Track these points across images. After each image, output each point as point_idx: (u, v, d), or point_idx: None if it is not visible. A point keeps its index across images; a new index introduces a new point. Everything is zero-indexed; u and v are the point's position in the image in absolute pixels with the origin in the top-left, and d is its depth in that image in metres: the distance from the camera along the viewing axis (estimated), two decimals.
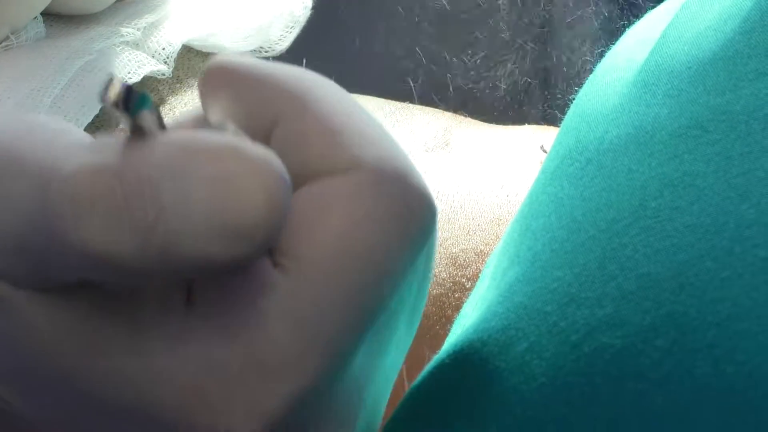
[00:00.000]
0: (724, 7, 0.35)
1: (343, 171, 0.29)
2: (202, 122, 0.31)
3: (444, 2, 0.82)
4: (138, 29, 0.44)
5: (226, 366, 0.28)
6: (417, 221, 0.29)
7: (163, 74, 0.45)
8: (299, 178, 0.29)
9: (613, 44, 0.39)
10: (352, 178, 0.29)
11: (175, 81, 0.46)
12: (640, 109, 0.34)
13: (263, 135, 0.30)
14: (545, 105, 0.84)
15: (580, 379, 0.30)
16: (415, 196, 0.30)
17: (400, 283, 0.30)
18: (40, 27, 0.47)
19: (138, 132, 0.26)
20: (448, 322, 0.43)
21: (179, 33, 0.46)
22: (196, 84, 0.46)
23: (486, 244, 0.44)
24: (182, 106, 0.46)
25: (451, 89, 0.80)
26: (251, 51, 0.49)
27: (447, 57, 0.83)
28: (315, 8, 0.49)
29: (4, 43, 0.45)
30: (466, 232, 0.44)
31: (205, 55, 0.47)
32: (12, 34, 0.45)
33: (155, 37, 0.46)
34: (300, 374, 0.28)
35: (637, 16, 0.40)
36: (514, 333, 0.31)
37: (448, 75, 0.84)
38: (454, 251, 0.44)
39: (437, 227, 0.31)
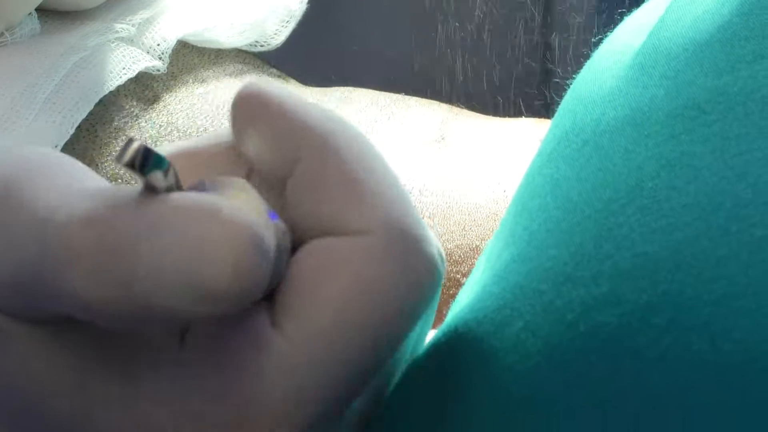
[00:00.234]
0: None
1: (354, 232, 0.30)
2: (221, 149, 0.31)
3: None
4: (132, 25, 0.44)
5: (216, 424, 0.29)
6: (421, 290, 0.30)
7: (158, 70, 0.45)
8: (312, 228, 0.30)
9: (611, 31, 0.39)
10: (362, 241, 0.30)
11: (170, 77, 0.46)
12: (636, 90, 0.34)
13: (286, 170, 0.31)
14: (543, 94, 0.84)
15: (576, 358, 0.30)
16: (422, 264, 0.30)
17: (399, 346, 0.31)
18: (35, 23, 0.47)
19: (151, 191, 0.27)
20: (442, 319, 0.43)
21: (174, 29, 0.46)
22: (190, 80, 0.46)
23: (482, 240, 0.44)
24: (176, 102, 0.46)
25: (446, 81, 0.80)
26: (247, 45, 0.49)
27: (444, 49, 0.83)
28: (311, 1, 0.49)
29: None
30: (462, 228, 0.44)
31: (200, 51, 0.47)
32: (7, 30, 0.45)
33: (150, 33, 0.46)
34: None
35: (637, 4, 0.40)
36: (510, 312, 0.31)
37: (446, 67, 0.84)
38: (449, 247, 0.44)
39: (440, 288, 0.32)
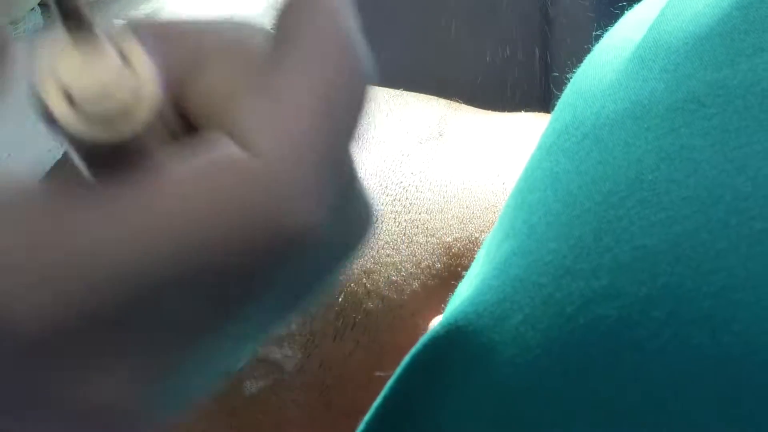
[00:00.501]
0: None
1: (246, 145, 0.25)
2: None
3: None
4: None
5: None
6: (269, 244, 0.26)
7: None
8: (214, 112, 0.26)
9: (612, 26, 0.39)
10: (243, 161, 0.25)
11: None
12: (636, 84, 0.34)
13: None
14: (543, 88, 0.84)
15: (575, 351, 0.30)
16: (288, 221, 0.25)
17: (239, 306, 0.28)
18: (38, 18, 0.48)
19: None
20: (442, 312, 0.43)
21: None
22: None
23: (481, 233, 0.44)
24: None
25: (445, 76, 0.80)
26: None
27: (443, 44, 0.83)
28: None
29: None
30: (460, 221, 0.44)
31: None
32: (11, 25, 0.45)
33: None
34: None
35: (637, 0, 0.40)
36: (509, 305, 0.32)
37: (445, 62, 0.84)
38: (447, 241, 0.44)
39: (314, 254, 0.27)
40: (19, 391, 0.24)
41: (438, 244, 0.43)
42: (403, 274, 0.43)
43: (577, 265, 0.31)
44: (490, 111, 0.49)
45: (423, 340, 0.33)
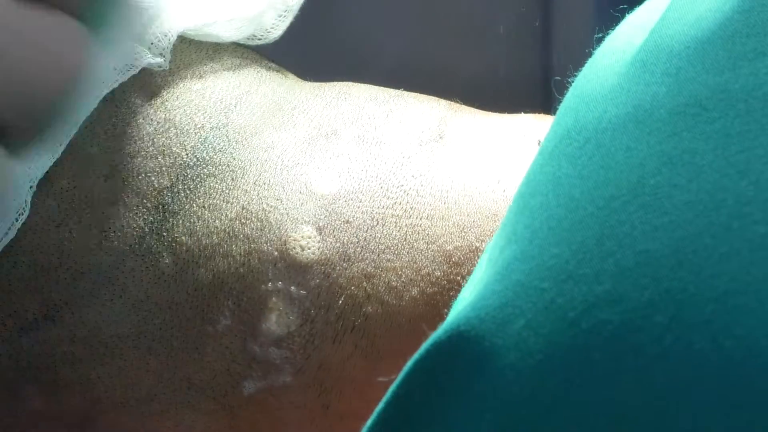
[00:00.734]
0: None
1: None
2: None
3: None
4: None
5: None
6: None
7: (160, 66, 0.45)
8: None
9: (612, 29, 0.39)
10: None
11: (167, 73, 0.46)
12: (638, 88, 0.34)
13: None
14: (544, 91, 0.84)
15: (578, 356, 0.30)
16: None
17: None
18: None
19: None
20: (442, 321, 0.43)
21: (175, 24, 0.46)
22: (188, 76, 0.46)
23: (481, 241, 0.43)
24: (174, 98, 0.45)
25: (446, 77, 0.80)
26: (244, 38, 0.49)
27: (444, 44, 0.83)
28: None
29: None
30: (461, 229, 0.44)
31: (197, 46, 0.47)
32: None
33: (150, 28, 0.45)
34: None
35: (638, 2, 0.40)
36: (511, 310, 0.32)
37: (445, 62, 0.84)
38: (448, 249, 0.43)
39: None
40: None
41: (438, 251, 0.43)
42: (403, 279, 0.43)
43: (580, 270, 0.31)
44: (490, 112, 0.48)
45: (425, 345, 0.33)
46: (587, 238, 0.31)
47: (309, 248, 0.43)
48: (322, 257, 0.43)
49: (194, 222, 0.43)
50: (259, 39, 0.49)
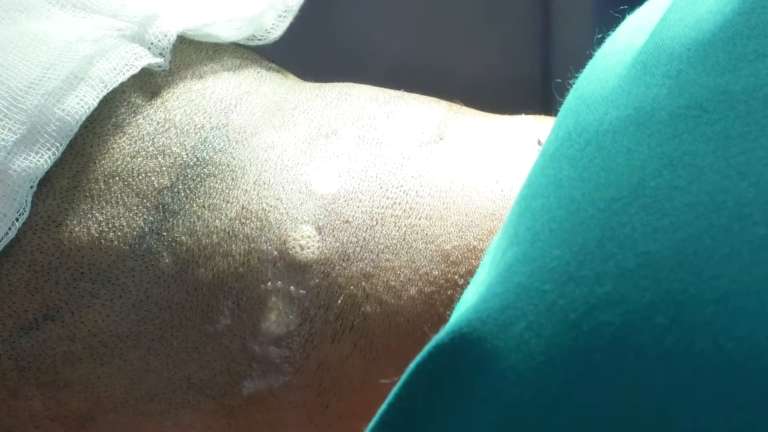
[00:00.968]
0: None
1: None
2: None
3: None
4: (134, 22, 0.44)
5: None
6: None
7: (160, 66, 0.45)
8: None
9: (613, 31, 0.39)
10: None
11: (168, 73, 0.46)
12: (639, 90, 0.34)
13: None
14: (544, 92, 0.84)
15: (579, 357, 0.30)
16: None
17: None
18: None
19: None
20: (440, 320, 0.43)
21: (174, 24, 0.46)
22: (188, 76, 0.46)
23: (479, 240, 0.43)
24: (174, 98, 0.46)
25: (446, 78, 0.80)
26: (244, 39, 0.49)
27: (444, 45, 0.83)
28: None
29: None
30: (459, 228, 0.44)
31: (197, 46, 0.47)
32: None
33: (150, 28, 0.46)
34: None
35: (639, 2, 0.40)
36: (513, 312, 0.32)
37: (446, 63, 0.84)
38: (446, 248, 0.43)
39: None
40: None
41: (436, 251, 0.43)
42: (401, 279, 0.43)
43: (581, 272, 0.31)
44: (490, 113, 0.48)
45: (428, 347, 0.33)
46: (588, 239, 0.31)
47: (308, 248, 0.43)
48: (322, 257, 0.43)
49: (194, 222, 0.44)
50: (259, 39, 0.49)
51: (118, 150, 0.44)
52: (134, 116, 0.45)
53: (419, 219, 0.44)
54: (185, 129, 0.45)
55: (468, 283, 0.41)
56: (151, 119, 0.45)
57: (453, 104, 0.48)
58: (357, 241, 0.43)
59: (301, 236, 0.43)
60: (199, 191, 0.44)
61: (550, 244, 0.32)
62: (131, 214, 0.43)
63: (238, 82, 0.47)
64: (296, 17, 0.50)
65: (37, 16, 0.45)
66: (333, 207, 0.44)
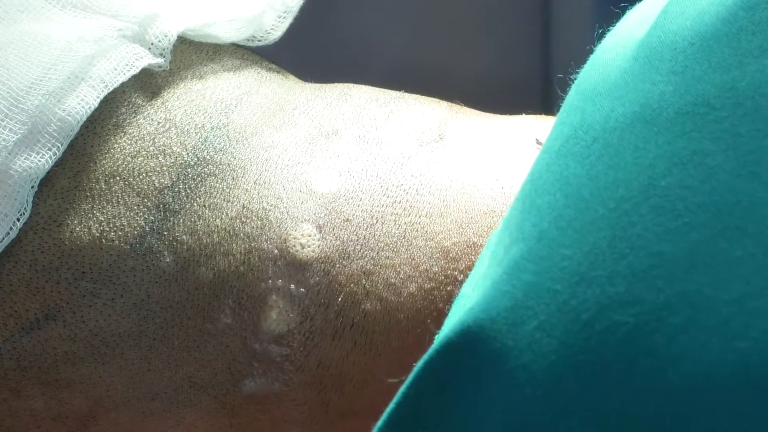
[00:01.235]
0: None
1: None
2: None
3: None
4: (134, 23, 0.44)
5: None
6: None
7: (160, 66, 0.46)
8: None
9: (613, 25, 0.39)
10: None
11: (168, 73, 0.46)
12: (644, 86, 0.34)
13: None
14: (544, 90, 0.84)
15: (591, 357, 0.30)
16: None
17: None
18: None
19: None
20: (440, 316, 0.43)
21: (175, 24, 0.46)
22: (188, 76, 0.46)
23: (479, 236, 0.44)
24: (174, 98, 0.46)
25: (446, 78, 0.80)
26: (244, 40, 0.49)
27: (444, 45, 0.83)
28: None
29: None
30: (459, 225, 0.44)
31: (197, 47, 0.47)
32: None
33: (151, 29, 0.46)
34: None
35: (639, 2, 0.40)
36: (524, 312, 0.32)
37: (446, 63, 0.84)
38: (446, 245, 0.44)
39: None
40: None
41: (436, 248, 0.43)
42: (401, 276, 0.43)
43: (593, 272, 0.31)
44: (490, 113, 0.49)
45: (435, 346, 0.33)
46: (599, 240, 0.31)
47: (309, 246, 0.43)
48: (322, 255, 0.43)
49: (195, 221, 0.44)
50: (259, 40, 0.49)
51: (118, 150, 0.44)
52: (135, 116, 0.45)
53: (419, 217, 0.44)
54: (186, 129, 0.45)
55: (472, 272, 0.41)
56: (152, 119, 0.45)
57: (453, 104, 0.48)
58: (357, 239, 0.43)
59: (302, 235, 0.44)
60: (200, 190, 0.44)
61: (559, 243, 0.32)
62: (132, 214, 0.44)
63: (238, 82, 0.47)
64: (296, 18, 0.50)
65: (37, 17, 0.45)
66: (333, 206, 0.44)
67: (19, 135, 0.43)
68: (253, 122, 0.46)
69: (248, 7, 0.48)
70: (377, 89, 0.48)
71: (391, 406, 0.34)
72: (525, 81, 0.84)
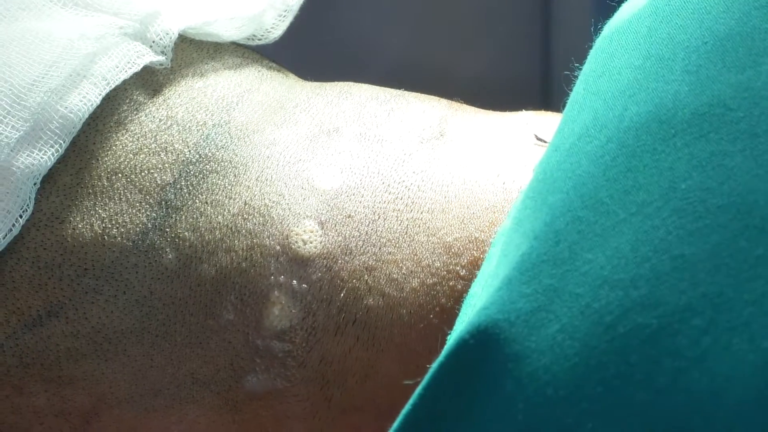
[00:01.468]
0: None
1: None
2: None
3: None
4: (136, 20, 0.45)
5: None
6: None
7: (162, 64, 0.46)
8: None
9: (609, 18, 0.39)
10: None
11: (169, 71, 0.46)
12: (658, 85, 0.34)
13: None
14: (544, 86, 0.84)
15: (615, 359, 0.30)
16: None
17: None
18: None
19: None
20: (442, 311, 0.43)
21: (176, 22, 0.46)
22: (189, 74, 0.46)
23: (481, 232, 0.44)
24: (176, 96, 0.46)
25: (446, 75, 0.80)
26: (244, 38, 0.49)
27: (444, 42, 0.83)
28: None
29: None
30: (461, 220, 0.44)
31: (198, 45, 0.47)
32: None
33: (152, 27, 0.46)
34: None
35: None
36: (545, 315, 0.32)
37: (446, 61, 0.84)
38: (448, 240, 0.44)
39: None
40: None
41: (438, 243, 0.43)
42: (403, 271, 0.43)
43: (615, 276, 0.31)
44: (490, 111, 0.49)
45: (449, 347, 0.33)
46: (621, 243, 0.32)
47: (311, 242, 0.43)
48: (324, 251, 0.43)
49: (197, 218, 0.44)
50: (260, 39, 0.49)
51: (120, 147, 0.44)
52: (137, 113, 0.45)
53: (421, 213, 0.44)
54: (187, 126, 0.45)
55: (470, 274, 0.41)
56: (154, 116, 0.45)
57: (453, 102, 0.48)
58: (359, 235, 0.43)
59: (304, 231, 0.44)
60: (202, 187, 0.44)
61: (580, 247, 0.32)
62: (134, 211, 0.44)
63: (239, 80, 0.47)
64: (296, 17, 0.50)
65: (39, 15, 0.45)
66: (335, 202, 0.44)
67: (22, 132, 0.43)
68: (254, 120, 0.46)
69: (249, 5, 0.48)
70: (377, 87, 0.48)
71: (407, 408, 0.34)
72: (525, 81, 0.84)
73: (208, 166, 0.44)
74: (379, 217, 0.44)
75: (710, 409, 0.29)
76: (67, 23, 0.45)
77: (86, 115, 0.43)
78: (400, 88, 0.49)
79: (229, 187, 0.44)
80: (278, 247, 0.43)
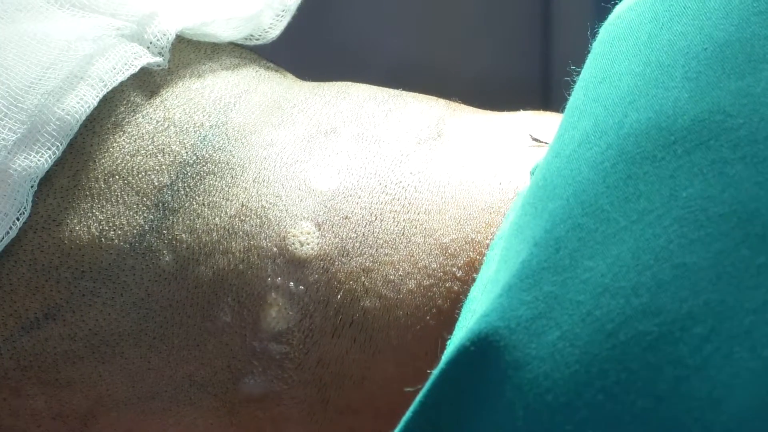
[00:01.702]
0: None
1: None
2: None
3: None
4: (133, 21, 0.45)
5: None
6: None
7: (159, 65, 0.46)
8: None
9: (604, 19, 0.39)
10: None
11: (167, 72, 0.46)
12: (658, 92, 0.34)
13: None
14: (542, 87, 0.84)
15: (616, 366, 0.30)
16: None
17: None
18: None
19: None
20: (439, 313, 0.43)
21: (173, 23, 0.46)
22: (187, 75, 0.46)
23: (477, 233, 0.44)
24: (173, 97, 0.46)
25: (444, 75, 0.80)
26: (242, 38, 0.49)
27: (443, 43, 0.83)
28: None
29: None
30: (457, 222, 0.44)
31: (196, 46, 0.47)
32: None
33: (149, 28, 0.46)
34: None
35: None
36: (545, 322, 0.32)
37: (444, 61, 0.84)
38: (444, 242, 0.44)
39: None
40: None
41: (435, 244, 0.43)
42: (400, 273, 0.43)
43: (616, 283, 0.31)
44: (488, 111, 0.49)
45: (450, 353, 0.33)
46: (622, 251, 0.32)
47: (308, 244, 0.43)
48: (321, 252, 0.43)
49: (194, 219, 0.44)
50: (257, 39, 0.49)
51: (118, 149, 0.44)
52: (134, 115, 0.45)
53: (418, 214, 0.44)
54: (184, 127, 0.45)
55: (467, 275, 0.41)
56: (151, 118, 0.45)
57: (451, 102, 0.48)
58: (356, 237, 0.43)
59: (301, 232, 0.44)
60: (199, 189, 0.44)
61: (581, 255, 0.32)
62: (131, 213, 0.44)
63: (236, 80, 0.47)
64: (294, 17, 0.50)
65: (36, 16, 0.45)
66: (332, 203, 0.44)
67: (19, 134, 0.43)
68: (251, 120, 0.46)
69: (246, 6, 0.48)
70: (375, 87, 0.48)
71: (408, 414, 0.34)
72: (525, 81, 0.84)
73: (205, 168, 0.44)
74: (376, 219, 0.44)
75: (711, 417, 0.29)
76: (65, 24, 0.45)
77: (83, 117, 0.43)
78: (399, 89, 0.49)
79: (226, 189, 0.44)
80: (275, 249, 0.43)
